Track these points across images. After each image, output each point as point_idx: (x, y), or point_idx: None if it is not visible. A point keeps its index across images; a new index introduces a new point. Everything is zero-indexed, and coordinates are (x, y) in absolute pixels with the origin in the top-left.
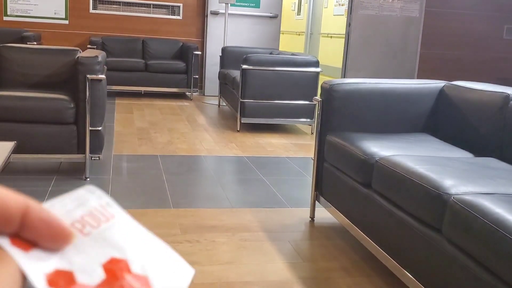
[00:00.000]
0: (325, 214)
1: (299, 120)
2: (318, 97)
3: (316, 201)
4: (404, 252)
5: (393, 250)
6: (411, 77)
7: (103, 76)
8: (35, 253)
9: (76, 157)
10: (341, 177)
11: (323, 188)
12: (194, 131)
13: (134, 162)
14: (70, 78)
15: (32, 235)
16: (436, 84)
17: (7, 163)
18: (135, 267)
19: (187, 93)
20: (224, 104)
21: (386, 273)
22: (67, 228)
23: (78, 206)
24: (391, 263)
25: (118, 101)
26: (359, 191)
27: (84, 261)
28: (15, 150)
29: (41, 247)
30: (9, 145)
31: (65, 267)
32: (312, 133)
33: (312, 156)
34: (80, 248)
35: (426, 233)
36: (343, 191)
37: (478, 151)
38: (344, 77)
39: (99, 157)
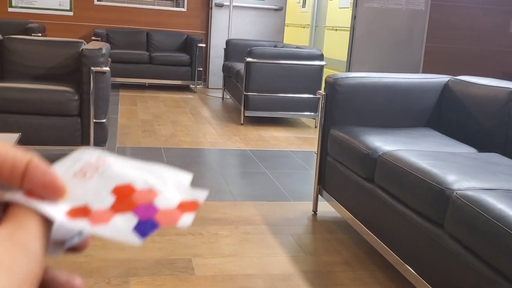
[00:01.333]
0: (327, 208)
1: (303, 114)
2: (322, 91)
3: (319, 195)
4: (406, 246)
5: (395, 244)
6: (416, 71)
7: (107, 68)
8: (48, 202)
9: (80, 148)
10: (344, 171)
11: (326, 182)
12: (197, 124)
13: (137, 154)
14: (74, 70)
15: (30, 185)
16: (441, 78)
17: None
18: (139, 186)
19: (191, 86)
20: (228, 97)
21: (388, 268)
22: (61, 182)
23: (75, 162)
24: (393, 258)
25: (122, 93)
26: (362, 185)
27: (94, 194)
28: (20, 142)
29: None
30: (13, 137)
31: (79, 204)
32: (315, 127)
33: (316, 150)
34: (88, 187)
35: (428, 228)
36: (346, 185)
37: (482, 146)
38: (349, 71)
39: (102, 149)
